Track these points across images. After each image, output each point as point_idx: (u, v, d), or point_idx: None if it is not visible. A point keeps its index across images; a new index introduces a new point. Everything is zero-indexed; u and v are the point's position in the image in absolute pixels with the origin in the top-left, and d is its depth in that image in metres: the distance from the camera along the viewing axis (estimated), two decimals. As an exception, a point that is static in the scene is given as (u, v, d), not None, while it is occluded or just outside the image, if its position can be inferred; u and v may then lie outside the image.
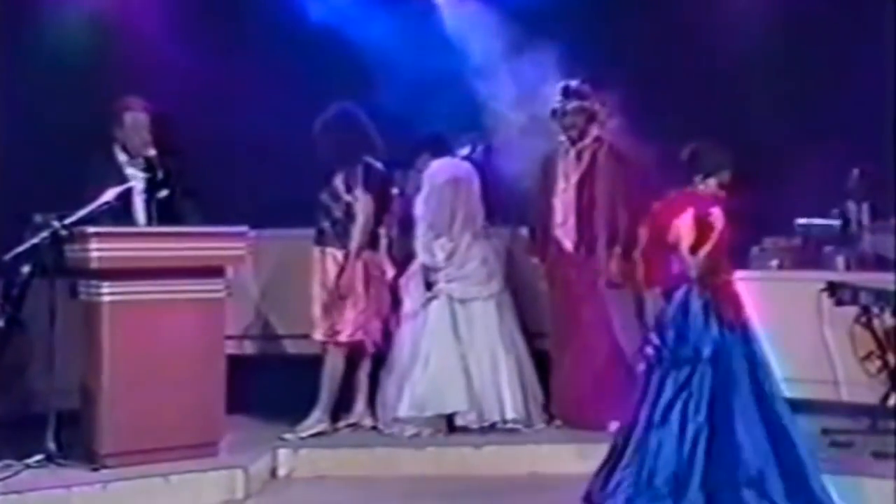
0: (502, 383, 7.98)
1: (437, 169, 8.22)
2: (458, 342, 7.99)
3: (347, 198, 7.95)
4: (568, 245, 8.06)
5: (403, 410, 7.90)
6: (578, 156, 8.09)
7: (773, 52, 9.55)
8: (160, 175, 7.45)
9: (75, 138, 8.20)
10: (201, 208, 7.50)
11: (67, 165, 7.61)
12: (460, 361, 7.96)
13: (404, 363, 8.00)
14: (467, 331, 8.02)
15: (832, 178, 9.02)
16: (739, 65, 9.47)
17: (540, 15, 9.20)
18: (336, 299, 7.90)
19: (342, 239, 7.95)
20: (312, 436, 7.82)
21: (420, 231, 8.15)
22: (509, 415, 7.95)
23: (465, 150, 8.47)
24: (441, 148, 8.32)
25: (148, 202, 7.47)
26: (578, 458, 7.58)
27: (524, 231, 8.46)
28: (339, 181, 8.01)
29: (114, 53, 9.19)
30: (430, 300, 8.05)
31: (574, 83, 8.06)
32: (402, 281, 8.19)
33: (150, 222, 7.46)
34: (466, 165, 8.28)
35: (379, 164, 8.04)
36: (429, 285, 8.05)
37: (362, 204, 7.92)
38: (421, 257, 8.12)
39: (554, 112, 8.09)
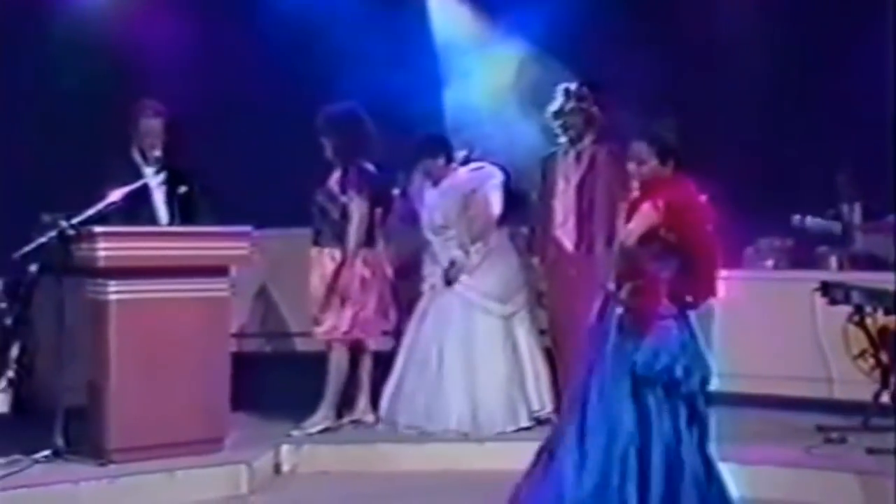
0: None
1: (480, 174, 8.29)
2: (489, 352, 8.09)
3: (343, 199, 8.04)
4: (568, 245, 8.12)
5: (453, 424, 7.94)
6: (578, 157, 8.15)
7: (768, 50, 9.64)
8: (175, 176, 7.57)
9: (89, 139, 8.28)
10: (216, 207, 7.60)
11: (81, 166, 7.68)
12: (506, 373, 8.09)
13: (432, 368, 8.06)
14: (484, 340, 8.10)
15: (828, 178, 9.11)
16: (735, 64, 9.55)
17: (541, 22, 9.31)
18: (334, 298, 7.96)
19: (339, 239, 8.02)
20: (319, 432, 7.90)
21: (456, 233, 8.20)
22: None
23: (463, 153, 8.50)
24: (440, 149, 8.35)
25: (169, 200, 7.58)
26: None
27: (523, 230, 8.54)
28: (333, 183, 8.10)
29: (127, 55, 9.25)
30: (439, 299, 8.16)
31: (574, 85, 8.14)
32: (426, 284, 8.27)
33: (172, 220, 7.55)
34: (500, 172, 8.34)
35: (371, 167, 8.11)
36: (448, 282, 8.13)
37: (356, 204, 7.99)
38: (452, 255, 8.16)
39: (554, 114, 8.17)
